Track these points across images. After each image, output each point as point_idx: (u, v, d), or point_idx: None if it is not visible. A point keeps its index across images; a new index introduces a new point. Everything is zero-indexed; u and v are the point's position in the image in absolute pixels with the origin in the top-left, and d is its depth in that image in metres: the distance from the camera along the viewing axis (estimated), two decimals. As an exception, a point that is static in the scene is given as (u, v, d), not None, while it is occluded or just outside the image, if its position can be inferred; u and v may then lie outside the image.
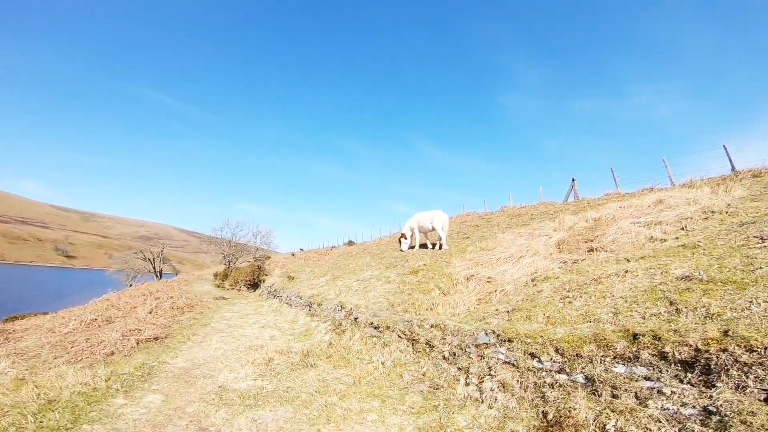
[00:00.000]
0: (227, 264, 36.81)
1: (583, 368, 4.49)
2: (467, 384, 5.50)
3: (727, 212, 10.07)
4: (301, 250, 41.76)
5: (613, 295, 6.01)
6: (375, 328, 8.69)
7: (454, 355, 6.07)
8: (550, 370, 4.73)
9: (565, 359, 4.67)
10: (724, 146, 17.28)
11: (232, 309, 17.41)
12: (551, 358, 4.79)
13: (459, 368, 5.80)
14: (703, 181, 16.02)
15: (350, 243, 36.01)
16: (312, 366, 7.98)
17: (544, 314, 6.09)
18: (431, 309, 9.21)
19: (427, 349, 6.70)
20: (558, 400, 4.44)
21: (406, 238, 18.30)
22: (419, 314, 8.81)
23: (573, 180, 23.88)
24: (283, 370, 7.92)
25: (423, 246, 17.93)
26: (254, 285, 25.84)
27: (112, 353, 10.49)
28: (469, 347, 5.90)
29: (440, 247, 16.65)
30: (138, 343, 11.14)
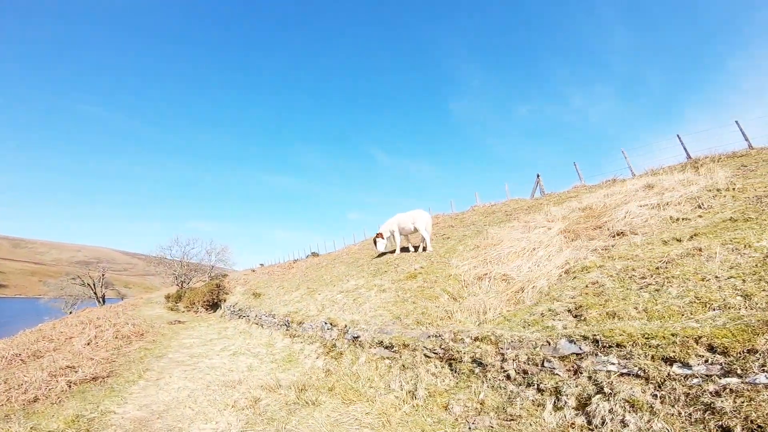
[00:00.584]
0: (180, 285, 33.10)
1: (763, 366, 3.10)
2: (558, 409, 3.92)
3: (733, 189, 9.36)
4: (261, 265, 38.63)
5: (717, 276, 4.75)
6: (387, 347, 6.89)
7: (525, 373, 4.47)
8: (709, 375, 3.28)
9: (731, 358, 3.26)
10: (678, 136, 17.26)
11: (191, 334, 14.78)
12: (706, 360, 3.34)
13: (539, 390, 4.21)
14: (670, 168, 15.73)
15: (314, 254, 33.65)
16: (314, 404, 6.03)
17: (635, 308, 4.69)
18: (447, 318, 7.58)
19: (477, 370, 5.05)
20: (744, 409, 2.99)
21: (382, 238, 16.60)
22: (437, 325, 7.15)
23: (538, 176, 23.47)
24: (276, 413, 5.89)
25: (404, 249, 16.33)
26: (214, 305, 22.92)
27: (36, 399, 7.86)
28: (548, 361, 4.33)
29: (423, 249, 15.14)
30: (71, 386, 8.52)
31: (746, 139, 15.24)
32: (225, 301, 21.45)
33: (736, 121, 15.48)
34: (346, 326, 8.74)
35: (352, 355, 7.59)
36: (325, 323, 9.63)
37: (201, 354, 10.85)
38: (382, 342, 7.16)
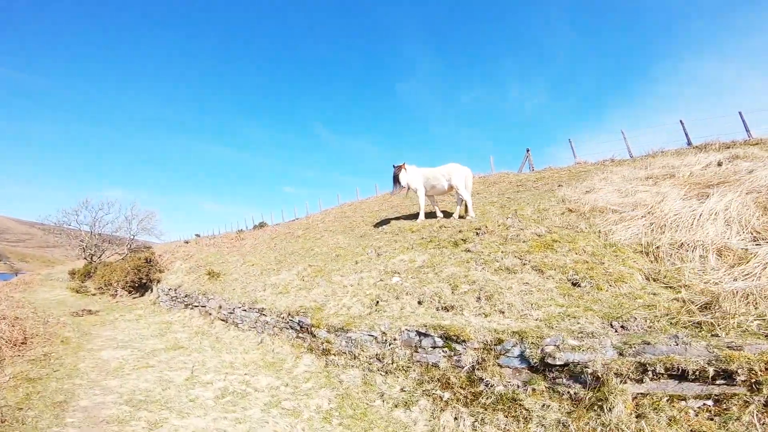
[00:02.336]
0: (89, 259, 24.90)
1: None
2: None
3: None
4: (198, 236, 31.15)
5: None
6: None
7: None
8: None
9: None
10: (681, 121, 14.93)
11: (114, 338, 8.82)
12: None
13: None
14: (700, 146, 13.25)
15: (263, 225, 27.49)
16: None
17: None
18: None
19: None
20: None
21: (405, 170, 11.69)
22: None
23: (528, 151, 20.69)
24: None
25: (430, 215, 11.75)
26: (141, 287, 16.25)
27: None
28: None
29: (461, 217, 10.74)
30: None
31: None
32: (159, 281, 15.06)
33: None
34: (523, 342, 4.07)
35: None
36: (426, 333, 4.82)
37: (150, 397, 5.35)
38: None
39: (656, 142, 24.46)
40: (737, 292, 4.02)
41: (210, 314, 9.92)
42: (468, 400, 4.03)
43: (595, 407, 3.26)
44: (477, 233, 7.56)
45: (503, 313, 4.87)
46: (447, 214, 11.55)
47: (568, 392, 3.54)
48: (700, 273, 4.72)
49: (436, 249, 7.68)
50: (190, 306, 11.55)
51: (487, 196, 12.53)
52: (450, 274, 6.24)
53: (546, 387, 3.69)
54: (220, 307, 9.61)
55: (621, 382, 3.26)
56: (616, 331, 3.95)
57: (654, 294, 4.59)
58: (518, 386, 3.84)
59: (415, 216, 12.33)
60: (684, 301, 4.11)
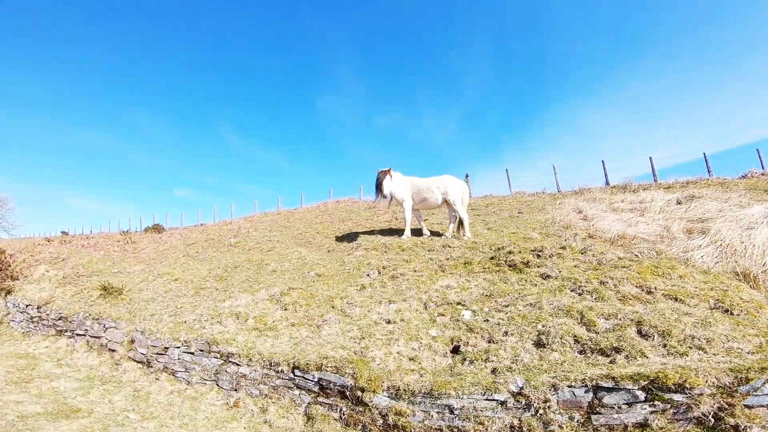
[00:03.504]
0: None
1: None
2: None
3: None
4: (65, 233, 23.23)
5: None
6: None
7: None
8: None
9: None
10: (603, 161, 16.68)
11: None
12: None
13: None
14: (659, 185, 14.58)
15: (158, 228, 21.97)
16: None
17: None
18: None
19: None
20: None
21: (390, 177, 9.50)
22: None
23: (467, 176, 20.81)
24: None
25: (416, 232, 9.81)
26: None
27: None
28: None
29: (454, 235, 9.14)
30: None
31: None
32: (9, 292, 9.90)
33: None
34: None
35: None
36: (614, 387, 2.89)
37: None
38: None
39: (541, 183, 27.04)
40: None
41: (113, 350, 6.26)
42: None
43: None
44: (538, 255, 6.00)
45: (703, 349, 3.35)
46: (416, 232, 9.89)
47: None
48: None
49: (489, 273, 5.81)
50: (68, 333, 7.43)
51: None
52: (556, 306, 4.45)
53: None
54: (133, 341, 6.08)
55: None
56: None
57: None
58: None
59: (387, 232, 10.40)
60: None
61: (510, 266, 5.96)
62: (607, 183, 16.64)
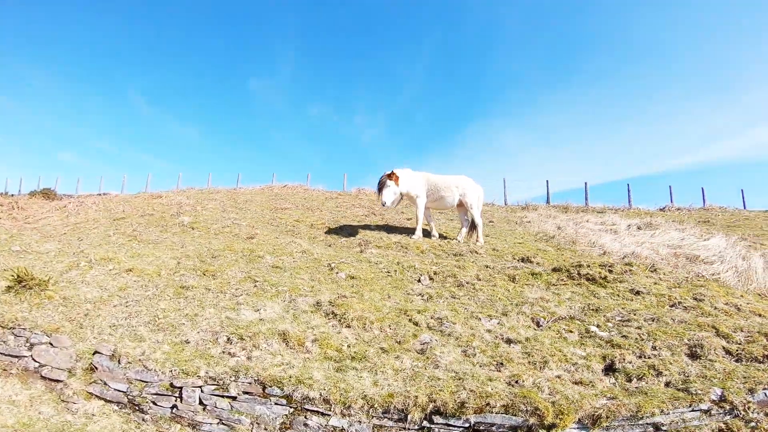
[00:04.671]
0: None
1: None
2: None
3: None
4: None
5: None
6: None
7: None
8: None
9: None
10: (547, 181, 18.22)
11: None
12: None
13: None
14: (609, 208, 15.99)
15: (47, 194, 16.36)
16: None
17: None
18: None
19: None
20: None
21: (397, 185, 8.02)
22: None
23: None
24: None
25: (425, 233, 8.53)
26: None
27: None
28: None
29: (467, 240, 8.28)
30: None
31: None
32: None
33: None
34: None
35: None
36: None
37: None
38: None
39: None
40: None
41: (55, 380, 3.73)
42: None
43: None
44: (610, 270, 5.43)
45: None
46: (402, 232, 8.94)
47: None
48: None
49: (571, 286, 5.02)
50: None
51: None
52: (678, 320, 3.87)
53: None
54: (94, 369, 3.66)
55: None
56: None
57: None
58: None
59: (385, 228, 9.10)
60: None
61: (588, 279, 5.32)
62: (548, 201, 17.85)
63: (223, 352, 3.75)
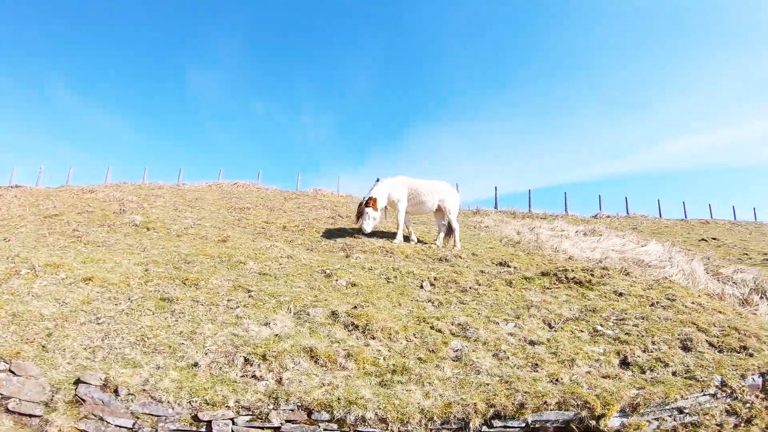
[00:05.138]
0: None
1: None
2: None
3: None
4: None
5: None
6: None
7: None
8: None
9: None
10: (496, 188, 19.63)
11: None
12: None
13: None
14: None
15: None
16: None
17: None
18: None
19: None
20: None
21: (375, 210, 8.02)
22: None
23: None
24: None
25: (405, 238, 8.41)
26: None
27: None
28: None
29: (443, 244, 8.42)
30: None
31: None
32: None
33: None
34: None
35: None
36: None
37: None
38: None
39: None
40: None
41: (26, 415, 2.90)
42: None
43: None
44: (591, 274, 5.85)
45: None
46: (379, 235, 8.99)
47: None
48: None
49: (563, 290, 5.38)
50: None
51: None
52: (663, 317, 4.34)
53: None
54: (81, 401, 2.91)
55: None
56: None
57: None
58: None
59: (356, 231, 8.89)
60: None
61: (576, 283, 5.75)
62: (496, 206, 19.01)
63: (245, 375, 3.32)
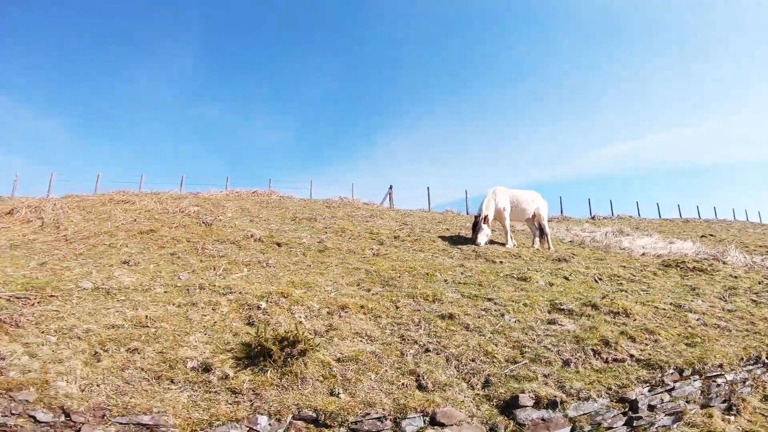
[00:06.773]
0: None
1: None
2: None
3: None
4: None
5: None
6: None
7: None
8: None
9: None
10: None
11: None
12: None
13: None
14: None
15: None
16: None
17: None
18: None
19: None
20: None
21: (488, 225, 8.76)
22: None
23: (390, 187, 21.06)
24: None
25: (491, 242, 9.21)
26: None
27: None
28: None
29: (540, 246, 9.45)
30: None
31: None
32: None
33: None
34: None
35: None
36: None
37: None
38: None
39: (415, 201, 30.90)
40: None
41: None
42: None
43: None
44: (702, 265, 7.44)
45: None
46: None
47: None
48: None
49: (695, 276, 6.86)
50: None
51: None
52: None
53: None
54: None
55: None
56: None
57: None
58: None
59: (453, 237, 9.37)
60: None
61: (700, 271, 7.25)
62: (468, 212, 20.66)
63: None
